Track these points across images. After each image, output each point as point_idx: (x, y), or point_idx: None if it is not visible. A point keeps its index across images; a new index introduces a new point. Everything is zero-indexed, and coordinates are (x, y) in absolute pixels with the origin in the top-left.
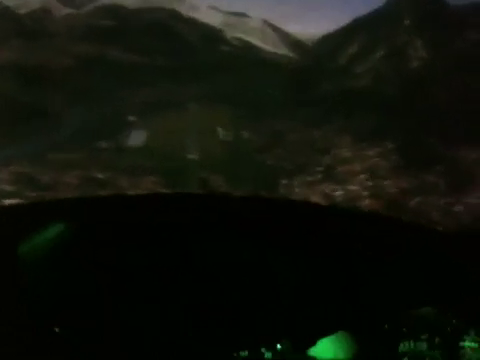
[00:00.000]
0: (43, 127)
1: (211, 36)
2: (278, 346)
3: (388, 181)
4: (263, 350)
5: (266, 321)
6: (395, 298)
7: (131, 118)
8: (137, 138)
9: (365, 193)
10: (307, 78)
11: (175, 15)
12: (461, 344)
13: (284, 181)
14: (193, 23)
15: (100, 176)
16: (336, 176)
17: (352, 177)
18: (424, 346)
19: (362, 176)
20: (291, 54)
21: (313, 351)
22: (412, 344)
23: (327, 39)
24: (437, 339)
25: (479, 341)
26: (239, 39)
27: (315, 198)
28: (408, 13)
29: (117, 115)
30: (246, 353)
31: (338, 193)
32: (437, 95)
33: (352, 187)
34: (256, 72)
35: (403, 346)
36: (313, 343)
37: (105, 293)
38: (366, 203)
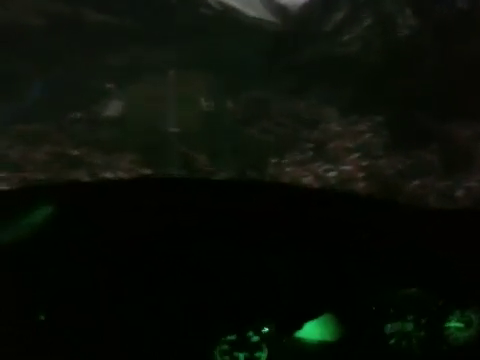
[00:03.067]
0: (10, 94)
1: None
2: (265, 329)
3: (383, 160)
4: (250, 334)
5: (252, 305)
6: (383, 279)
7: (107, 85)
8: (114, 108)
9: (360, 174)
10: (291, 44)
11: None
12: (447, 324)
13: (273, 160)
14: None
15: (73, 153)
16: (328, 154)
17: (344, 155)
18: (410, 327)
19: (355, 155)
20: (274, 19)
21: (300, 334)
22: (399, 325)
23: (312, 4)
24: (423, 320)
25: (464, 321)
26: (219, 2)
27: (307, 179)
28: None
29: (92, 82)
30: (233, 337)
31: (331, 174)
32: (427, 66)
33: (346, 167)
34: (238, 37)
35: (390, 327)
36: (300, 326)
37: (97, 282)
38: (362, 186)
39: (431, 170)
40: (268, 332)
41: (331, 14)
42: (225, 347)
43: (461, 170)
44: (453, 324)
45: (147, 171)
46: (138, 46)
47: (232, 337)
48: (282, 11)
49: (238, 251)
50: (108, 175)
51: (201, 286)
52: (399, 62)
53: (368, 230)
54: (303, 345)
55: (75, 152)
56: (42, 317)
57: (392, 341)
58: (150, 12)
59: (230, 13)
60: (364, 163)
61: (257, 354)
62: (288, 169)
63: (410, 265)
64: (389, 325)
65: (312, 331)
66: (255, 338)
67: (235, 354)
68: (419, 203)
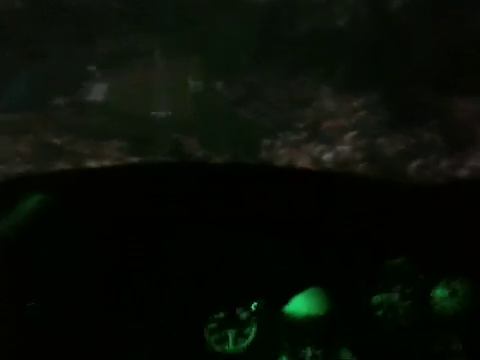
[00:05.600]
0: None
1: None
2: (252, 306)
3: (381, 139)
4: (238, 311)
5: (240, 282)
6: (368, 250)
7: (92, 69)
8: (98, 93)
9: (358, 155)
10: (279, 21)
11: None
12: (432, 294)
13: (266, 141)
14: None
15: (56, 141)
16: (322, 134)
17: (340, 135)
18: (396, 297)
19: (351, 133)
20: None
21: (287, 308)
22: (384, 296)
23: None
24: (409, 290)
25: (450, 290)
26: None
27: (302, 162)
28: None
29: (75, 65)
30: (222, 314)
31: (327, 156)
32: (422, 39)
33: (342, 147)
34: (225, 17)
35: (375, 299)
36: (288, 301)
37: (88, 270)
38: (360, 167)
39: (433, 149)
40: (257, 308)
41: None
42: (214, 325)
43: (464, 149)
44: (438, 294)
45: (135, 159)
46: (124, 28)
47: (221, 315)
48: None
49: (225, 232)
50: (93, 164)
51: (188, 266)
52: (392, 35)
53: (354, 205)
54: (292, 319)
55: (58, 141)
56: (33, 313)
57: (379, 312)
58: None
59: None
60: (361, 143)
61: (246, 330)
62: (282, 151)
63: (396, 237)
64: (375, 297)
65: (299, 305)
66: (244, 315)
67: (224, 332)
68: (421, 184)
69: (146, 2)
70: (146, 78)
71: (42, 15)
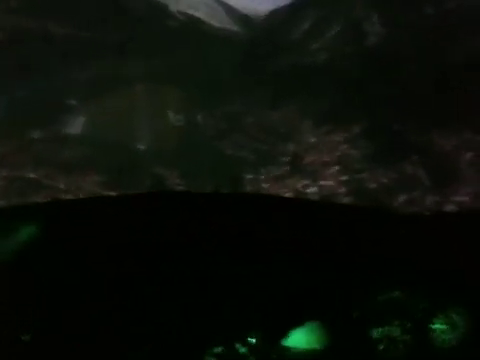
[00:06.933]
0: None
1: (156, 9)
2: (250, 340)
3: (364, 174)
4: (237, 345)
5: (238, 316)
6: (366, 285)
7: (70, 102)
8: (77, 126)
9: (342, 190)
10: (259, 55)
11: None
12: (431, 327)
13: (249, 176)
14: None
15: (32, 175)
16: (305, 168)
17: (323, 169)
18: (396, 331)
19: (334, 168)
20: (240, 29)
21: (286, 342)
22: (385, 330)
23: (276, 15)
24: (408, 324)
25: (449, 323)
26: (184, 13)
27: (286, 196)
28: None
29: (54, 98)
30: (220, 349)
31: (311, 190)
32: (399, 73)
33: (326, 182)
34: (205, 49)
35: (376, 333)
36: (286, 335)
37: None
38: (345, 201)
39: (417, 184)
40: (255, 343)
41: (297, 23)
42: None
43: (449, 183)
44: (438, 326)
45: (113, 193)
46: (104, 60)
47: (218, 349)
48: (245, 21)
49: (222, 264)
50: (71, 198)
51: (185, 299)
52: (371, 70)
53: (349, 238)
54: (291, 354)
55: (34, 175)
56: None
57: (380, 346)
58: (116, 25)
59: (195, 24)
60: (344, 177)
61: None
62: (265, 185)
63: (393, 270)
64: (376, 330)
65: (299, 339)
66: (242, 349)
67: None
68: (407, 217)
69: (126, 35)
70: (126, 111)
71: (23, 46)
